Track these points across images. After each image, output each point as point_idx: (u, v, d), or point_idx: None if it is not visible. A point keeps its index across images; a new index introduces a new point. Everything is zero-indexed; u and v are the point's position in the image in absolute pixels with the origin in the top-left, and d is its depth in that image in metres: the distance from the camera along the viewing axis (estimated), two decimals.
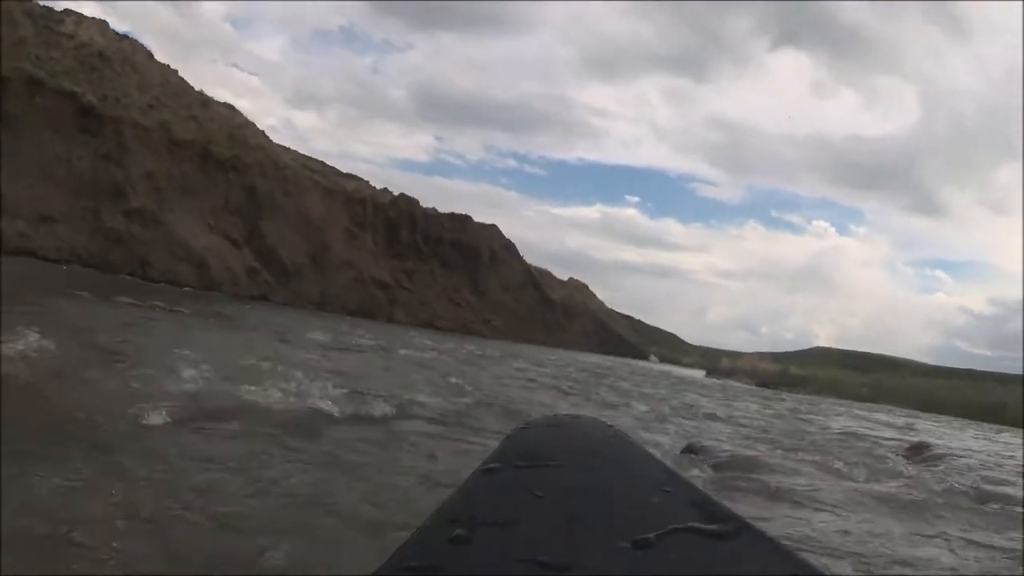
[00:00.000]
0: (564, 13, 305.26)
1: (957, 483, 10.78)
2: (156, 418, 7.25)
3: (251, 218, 71.43)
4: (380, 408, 10.00)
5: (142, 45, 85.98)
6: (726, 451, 10.24)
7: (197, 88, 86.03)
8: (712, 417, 18.30)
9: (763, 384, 57.02)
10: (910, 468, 12.29)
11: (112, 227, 59.26)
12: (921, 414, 39.93)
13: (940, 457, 14.18)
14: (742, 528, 0.62)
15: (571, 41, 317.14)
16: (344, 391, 10.45)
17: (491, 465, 0.75)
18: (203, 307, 28.87)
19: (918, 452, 14.77)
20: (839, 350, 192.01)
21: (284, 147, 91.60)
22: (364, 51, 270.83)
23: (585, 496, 0.69)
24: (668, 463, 0.76)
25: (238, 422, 7.87)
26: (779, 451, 12.05)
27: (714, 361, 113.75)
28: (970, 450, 18.22)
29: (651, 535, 0.60)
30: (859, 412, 34.12)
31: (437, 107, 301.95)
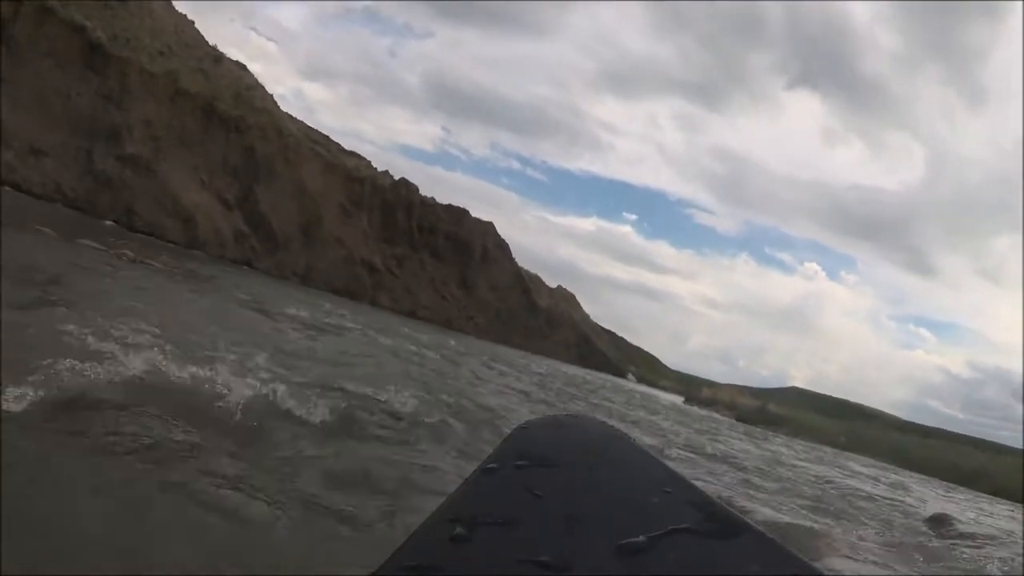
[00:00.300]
0: (587, 24, 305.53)
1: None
2: (15, 404, 5.01)
3: (247, 181, 69.84)
4: (340, 410, 8.05)
5: None
6: (774, 519, 8.87)
7: (211, 43, 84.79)
8: (726, 459, 16.98)
9: (742, 419, 56.01)
10: (945, 546, 11.16)
11: (103, 169, 57.59)
12: (900, 471, 39.10)
13: (970, 536, 13.08)
14: (742, 529, 0.62)
15: (590, 52, 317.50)
16: (314, 389, 8.43)
17: (491, 465, 0.75)
18: (179, 264, 27.37)
19: (940, 525, 13.73)
20: (813, 393, 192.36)
21: (291, 116, 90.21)
22: (384, 33, 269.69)
23: (585, 496, 0.69)
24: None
25: (135, 422, 5.50)
26: (826, 519, 10.71)
27: (692, 389, 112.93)
28: (992, 526, 17.15)
29: (651, 535, 0.61)
30: (843, 462, 33.09)
31: (448, 98, 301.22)
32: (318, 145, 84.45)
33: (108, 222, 51.25)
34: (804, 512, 10.79)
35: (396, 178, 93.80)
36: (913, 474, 40.06)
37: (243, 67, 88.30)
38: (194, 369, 7.17)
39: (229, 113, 72.12)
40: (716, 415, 53.73)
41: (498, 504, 0.68)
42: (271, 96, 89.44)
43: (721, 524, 0.63)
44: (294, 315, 19.59)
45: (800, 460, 25.00)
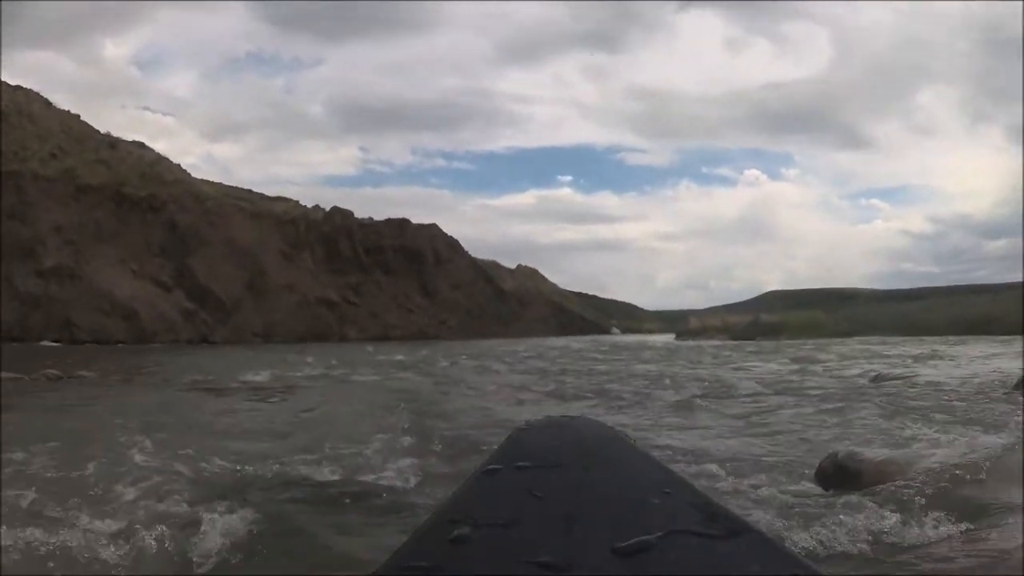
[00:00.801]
0: (474, 5, 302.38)
1: None
2: None
3: (177, 257, 67.48)
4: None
5: (36, 94, 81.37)
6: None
7: (103, 131, 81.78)
8: (801, 392, 13.95)
9: (739, 338, 54.99)
10: None
11: (27, 291, 55.10)
12: (922, 339, 38.15)
13: None
14: (742, 529, 0.63)
15: (483, 31, 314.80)
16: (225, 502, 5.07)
17: (491, 466, 0.76)
18: (120, 363, 25.40)
19: None
20: (790, 291, 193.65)
21: (205, 180, 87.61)
22: (275, 73, 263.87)
23: (585, 497, 0.70)
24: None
25: None
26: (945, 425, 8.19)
27: (678, 323, 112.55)
28: None
29: (651, 536, 0.61)
30: (875, 349, 31.40)
31: (357, 117, 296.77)
32: (241, 200, 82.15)
33: (48, 343, 48.88)
34: None
35: (327, 209, 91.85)
36: (925, 339, 39.06)
37: (142, 145, 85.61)
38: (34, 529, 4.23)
39: (139, 194, 69.64)
40: (714, 342, 52.64)
41: (498, 505, 0.69)
42: (178, 166, 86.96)
43: (721, 525, 0.63)
44: (250, 381, 17.99)
45: (840, 364, 22.82)
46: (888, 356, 25.99)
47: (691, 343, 54.88)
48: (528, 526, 0.65)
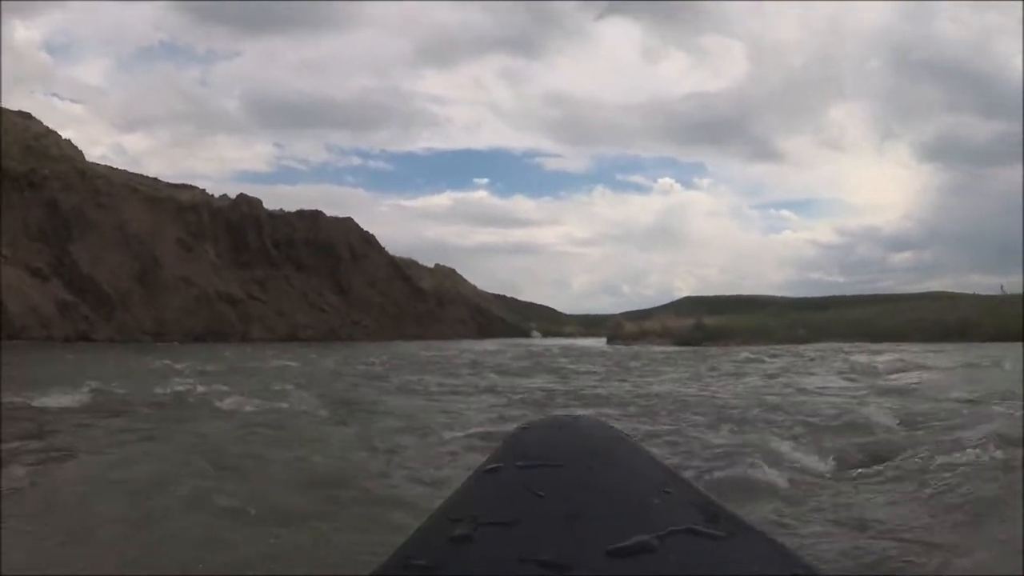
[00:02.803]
0: (395, 5, 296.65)
1: None
2: None
3: (58, 242, 59.75)
4: None
5: None
6: None
7: None
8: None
9: (682, 343, 51.27)
10: None
11: None
12: (895, 346, 35.19)
13: None
14: (743, 529, 0.63)
15: (402, 32, 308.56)
16: None
17: (492, 465, 0.76)
18: None
19: None
20: (704, 297, 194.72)
21: (104, 166, 79.53)
22: (190, 64, 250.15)
23: (586, 496, 0.69)
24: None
25: None
26: None
27: (597, 327, 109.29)
28: None
29: (651, 536, 0.61)
30: (861, 359, 27.27)
31: (273, 113, 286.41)
32: (141, 184, 74.50)
33: None
34: None
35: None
36: (896, 345, 36.17)
37: (28, 116, 77.13)
38: None
39: (18, 169, 61.63)
40: (654, 348, 48.61)
41: (499, 504, 0.68)
42: (68, 141, 78.68)
43: (722, 525, 0.63)
44: (46, 408, 12.31)
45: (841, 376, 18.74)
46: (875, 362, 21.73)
47: (625, 347, 50.81)
48: (529, 525, 0.65)
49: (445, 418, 11.49)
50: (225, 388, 14.65)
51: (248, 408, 12.12)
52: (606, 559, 0.59)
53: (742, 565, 0.59)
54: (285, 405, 12.58)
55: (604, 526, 0.64)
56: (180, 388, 14.77)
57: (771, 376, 20.40)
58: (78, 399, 12.58)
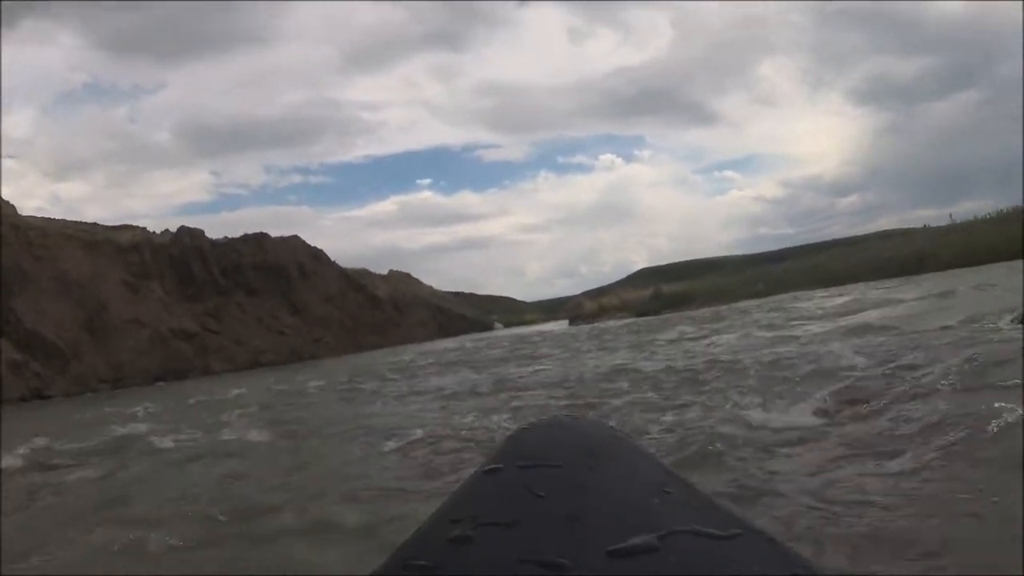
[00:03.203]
0: (315, 16, 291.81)
1: None
2: None
3: None
4: None
5: None
6: None
7: None
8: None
9: (642, 313, 51.57)
10: None
11: None
12: (850, 287, 35.55)
13: None
14: (744, 530, 0.62)
15: (326, 41, 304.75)
16: None
17: (492, 465, 0.76)
18: None
19: None
20: (660, 266, 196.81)
21: (41, 218, 77.13)
22: (116, 102, 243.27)
23: (586, 497, 0.69)
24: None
25: None
26: None
27: (558, 310, 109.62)
28: None
29: (652, 536, 0.61)
30: (826, 304, 27.30)
31: (206, 141, 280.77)
32: (78, 231, 72.38)
33: None
34: None
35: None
36: (852, 286, 36.46)
37: None
38: None
39: None
40: (617, 321, 48.74)
41: (499, 504, 0.68)
42: None
43: (722, 525, 0.63)
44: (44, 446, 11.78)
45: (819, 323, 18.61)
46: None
47: (588, 326, 50.81)
48: (529, 526, 0.64)
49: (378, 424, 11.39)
50: (166, 426, 14.25)
51: (187, 442, 11.78)
52: (606, 559, 0.59)
53: (743, 565, 0.58)
54: (228, 436, 12.15)
55: (604, 526, 0.63)
56: (120, 433, 14.23)
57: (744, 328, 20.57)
58: (8, 462, 11.82)
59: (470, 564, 0.60)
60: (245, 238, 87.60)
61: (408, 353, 44.64)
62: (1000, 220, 42.51)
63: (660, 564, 0.58)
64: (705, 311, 39.87)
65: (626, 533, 0.61)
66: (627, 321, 47.05)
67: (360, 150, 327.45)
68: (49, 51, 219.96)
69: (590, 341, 28.08)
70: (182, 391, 32.17)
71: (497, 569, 0.59)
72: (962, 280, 23.76)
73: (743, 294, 48.41)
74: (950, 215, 61.80)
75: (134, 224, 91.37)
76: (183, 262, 77.67)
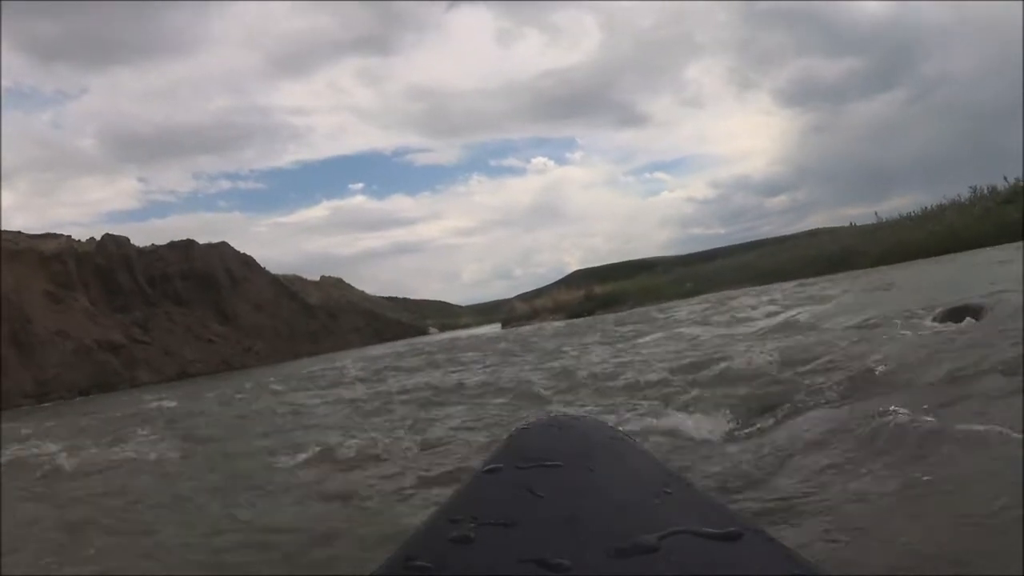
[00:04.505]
0: (238, 22, 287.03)
1: None
2: None
3: None
4: None
5: None
6: None
7: None
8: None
9: (574, 315, 52.61)
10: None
11: None
12: (776, 286, 36.68)
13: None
14: (744, 530, 0.62)
15: (250, 47, 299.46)
16: None
17: (492, 465, 0.76)
18: None
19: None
20: (595, 267, 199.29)
21: None
22: (40, 107, 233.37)
23: (586, 497, 0.69)
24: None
25: None
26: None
27: (493, 313, 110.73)
28: None
29: (652, 536, 0.61)
30: (750, 302, 28.03)
31: (132, 147, 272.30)
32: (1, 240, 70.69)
33: None
34: None
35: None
36: (783, 284, 37.69)
37: None
38: None
39: None
40: (547, 325, 49.51)
41: (499, 504, 0.68)
42: None
43: (722, 525, 0.62)
44: None
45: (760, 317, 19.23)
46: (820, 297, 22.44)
47: (522, 329, 51.58)
48: (529, 526, 0.64)
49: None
50: (66, 444, 12.99)
51: (89, 461, 10.69)
52: (606, 559, 0.58)
53: (743, 565, 0.58)
54: (131, 454, 11.12)
55: (604, 527, 0.63)
56: (23, 453, 13.07)
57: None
58: None
59: (470, 564, 0.60)
60: (172, 245, 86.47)
61: (340, 360, 44.97)
62: (924, 218, 44.33)
63: (660, 564, 0.58)
64: (631, 312, 41.00)
65: (626, 533, 0.61)
66: (559, 324, 47.95)
67: (290, 155, 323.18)
68: None
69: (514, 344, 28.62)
70: (102, 404, 31.64)
71: (497, 569, 0.58)
72: (885, 277, 24.66)
73: (672, 293, 49.69)
74: (875, 212, 64.23)
75: (59, 232, 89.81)
76: (108, 271, 76.47)
